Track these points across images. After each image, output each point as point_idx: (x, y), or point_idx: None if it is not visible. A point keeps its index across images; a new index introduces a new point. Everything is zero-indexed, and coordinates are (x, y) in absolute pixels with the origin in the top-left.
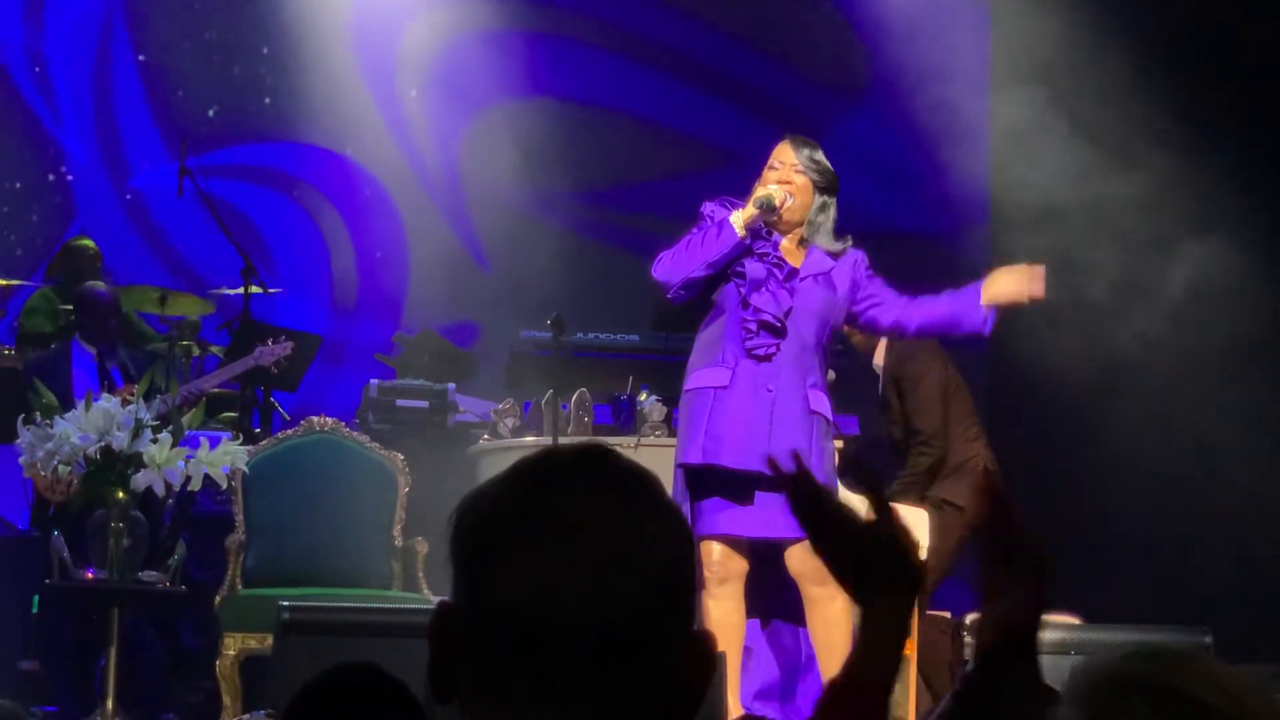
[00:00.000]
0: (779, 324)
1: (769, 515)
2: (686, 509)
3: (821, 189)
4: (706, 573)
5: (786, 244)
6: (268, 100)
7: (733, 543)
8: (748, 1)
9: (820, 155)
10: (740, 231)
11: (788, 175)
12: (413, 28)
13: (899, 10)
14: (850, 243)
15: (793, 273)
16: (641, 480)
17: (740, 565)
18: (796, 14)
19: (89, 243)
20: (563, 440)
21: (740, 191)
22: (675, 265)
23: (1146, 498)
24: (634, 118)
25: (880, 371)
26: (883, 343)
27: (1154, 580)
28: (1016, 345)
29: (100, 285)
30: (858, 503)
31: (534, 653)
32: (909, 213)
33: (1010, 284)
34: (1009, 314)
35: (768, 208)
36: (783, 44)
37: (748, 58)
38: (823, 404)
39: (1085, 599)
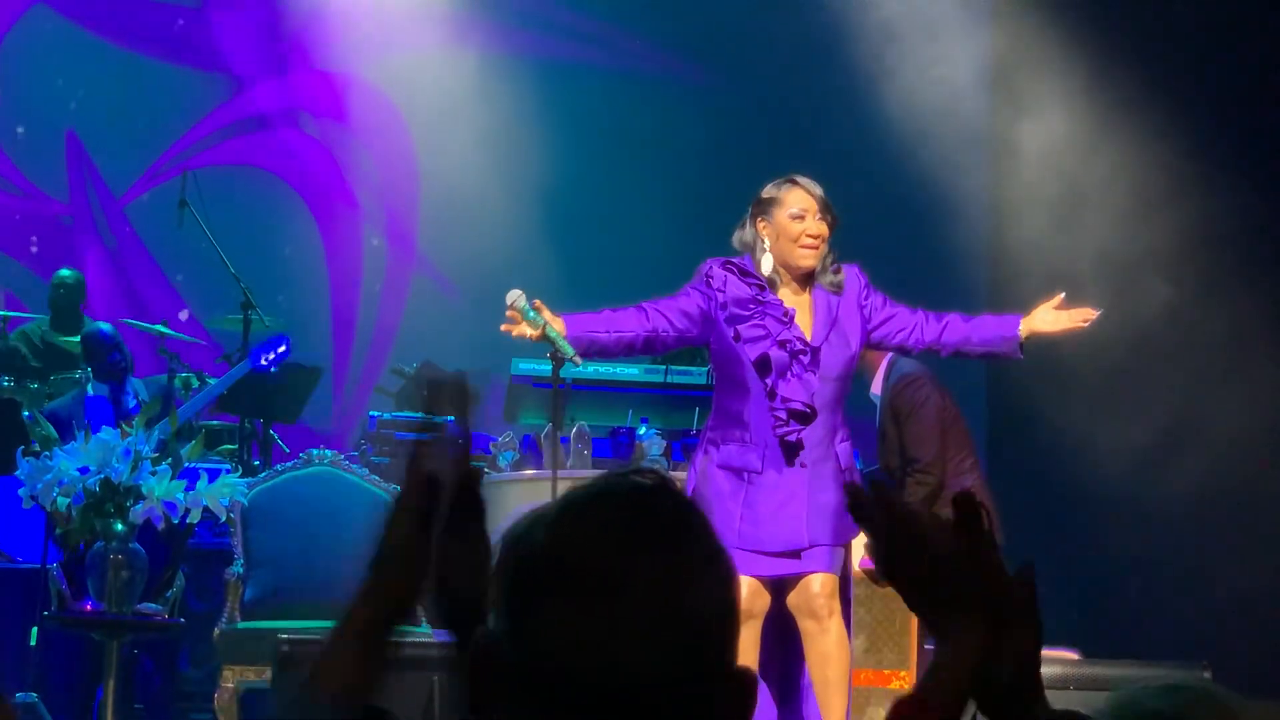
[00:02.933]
0: (809, 410)
1: (794, 560)
2: None
3: (831, 227)
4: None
5: (787, 292)
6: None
7: (761, 582)
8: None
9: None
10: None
11: (815, 227)
12: (430, 80)
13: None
14: (843, 269)
15: (814, 351)
16: (690, 524)
17: (764, 604)
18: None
19: (70, 274)
20: (619, 470)
21: (727, 227)
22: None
23: (1142, 532)
24: (637, 140)
25: (877, 400)
26: (880, 372)
27: (1151, 613)
28: (1012, 378)
29: (102, 325)
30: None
31: (571, 700)
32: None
33: (1056, 323)
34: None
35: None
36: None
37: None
38: (852, 454)
39: (1081, 633)
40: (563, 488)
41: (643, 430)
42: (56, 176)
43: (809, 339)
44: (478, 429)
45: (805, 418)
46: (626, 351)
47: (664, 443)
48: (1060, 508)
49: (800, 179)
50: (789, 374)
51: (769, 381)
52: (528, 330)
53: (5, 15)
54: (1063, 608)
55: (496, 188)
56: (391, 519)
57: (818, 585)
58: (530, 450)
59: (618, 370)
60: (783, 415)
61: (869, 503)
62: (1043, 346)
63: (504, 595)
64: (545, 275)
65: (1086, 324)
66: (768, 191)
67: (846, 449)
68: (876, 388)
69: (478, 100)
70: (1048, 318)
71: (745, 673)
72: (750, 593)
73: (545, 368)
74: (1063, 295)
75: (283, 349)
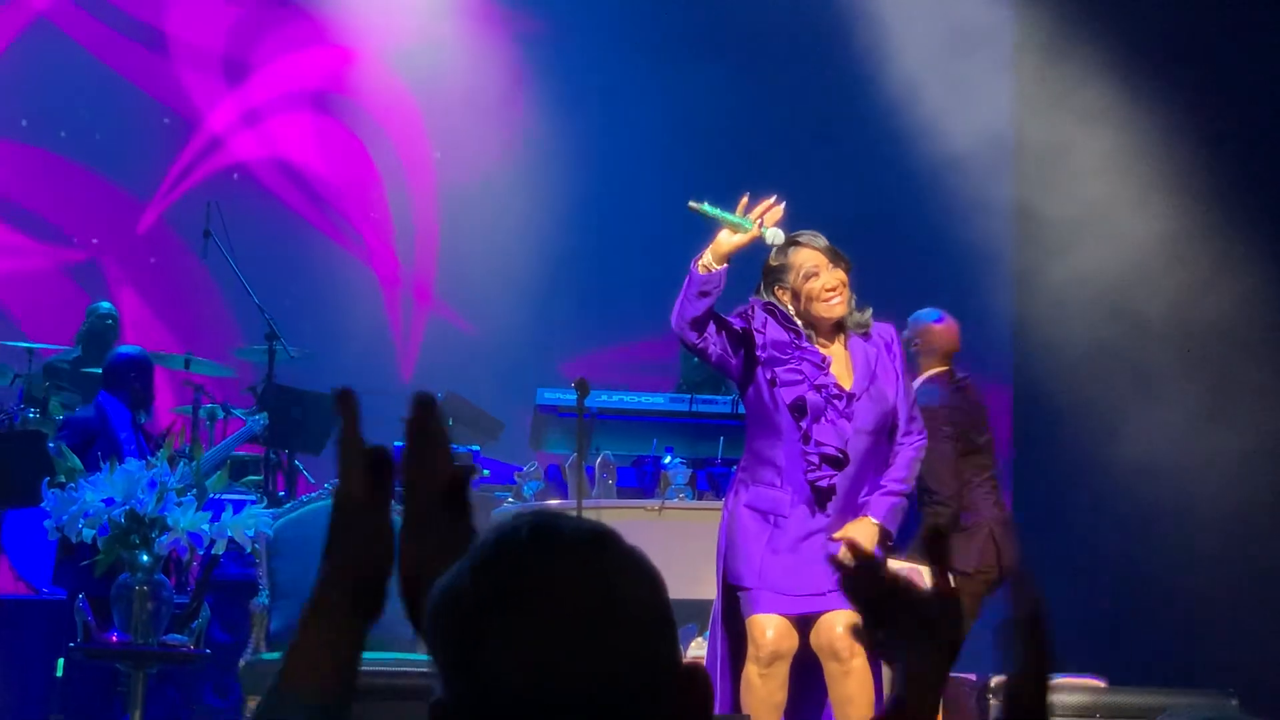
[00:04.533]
0: (842, 455)
1: (819, 597)
2: (718, 608)
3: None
4: (756, 650)
5: (823, 342)
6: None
7: (788, 620)
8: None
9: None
10: (717, 265)
11: (834, 280)
12: (440, 103)
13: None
14: (870, 312)
15: (850, 397)
16: (601, 535)
17: (791, 644)
18: None
19: (106, 307)
20: (520, 512)
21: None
22: (677, 310)
23: (1171, 556)
24: (661, 176)
25: None
26: (918, 383)
27: (1180, 640)
28: (1040, 387)
29: (129, 347)
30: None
31: None
32: None
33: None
34: (1033, 353)
35: (720, 224)
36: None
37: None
38: (880, 509)
39: (1108, 660)
40: (587, 518)
41: (667, 459)
42: (74, 204)
43: (847, 388)
44: (503, 458)
45: (838, 463)
46: (705, 317)
47: (689, 471)
48: (1086, 530)
49: (801, 237)
50: (824, 418)
51: (804, 425)
52: (732, 235)
53: (6, 30)
54: (1089, 634)
55: (517, 212)
56: (336, 498)
57: (840, 625)
58: (555, 480)
59: (642, 399)
60: (815, 460)
61: (856, 576)
62: (1069, 364)
63: (447, 651)
64: (565, 308)
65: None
66: (774, 259)
67: (877, 503)
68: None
69: (499, 121)
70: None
71: (695, 668)
72: (777, 633)
73: (569, 397)
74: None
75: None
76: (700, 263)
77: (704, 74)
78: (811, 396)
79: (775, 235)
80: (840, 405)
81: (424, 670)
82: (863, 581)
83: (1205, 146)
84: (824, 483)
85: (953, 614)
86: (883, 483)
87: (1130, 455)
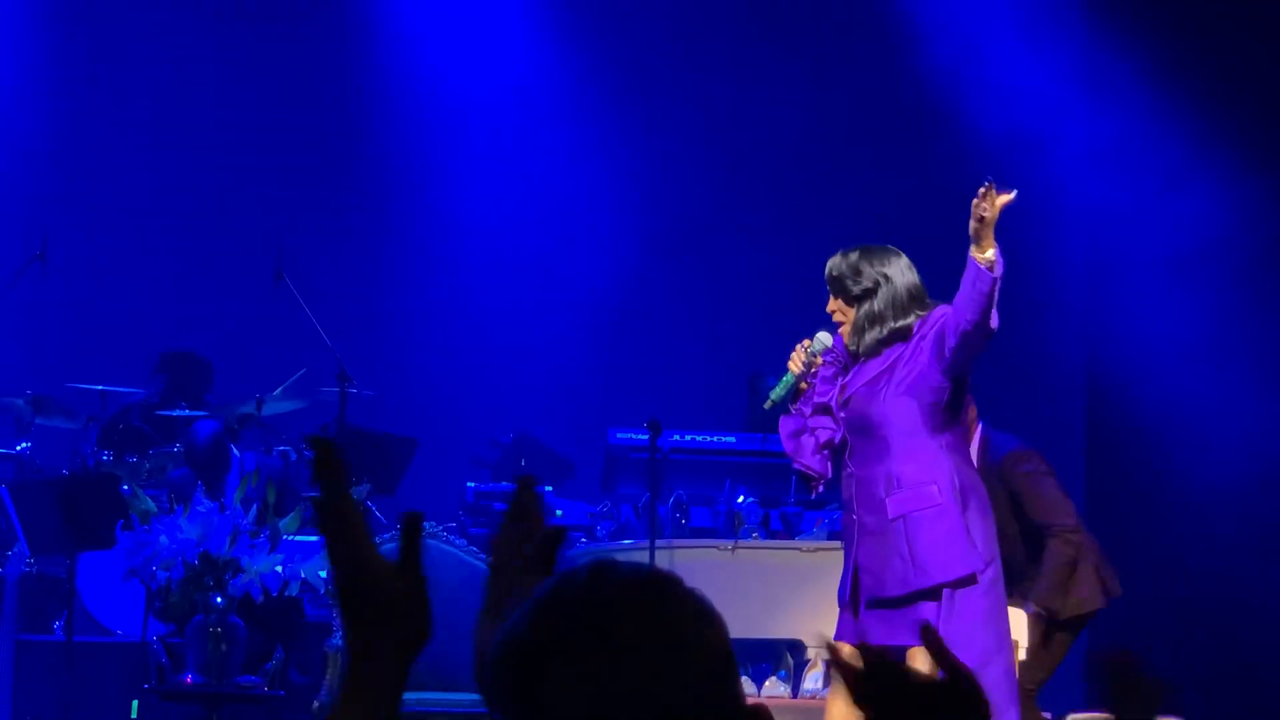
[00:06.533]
0: (810, 472)
1: (883, 625)
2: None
3: (856, 299)
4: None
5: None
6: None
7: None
8: None
9: (842, 268)
10: (792, 407)
11: (839, 315)
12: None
13: None
14: (929, 312)
15: (823, 408)
16: (659, 578)
17: None
18: None
19: (188, 350)
20: (583, 560)
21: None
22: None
23: (1260, 592)
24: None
25: None
26: (974, 449)
27: (1271, 681)
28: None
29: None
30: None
31: None
32: None
33: (976, 217)
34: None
35: (791, 388)
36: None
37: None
38: (909, 501)
39: (1194, 703)
40: (661, 558)
41: (740, 499)
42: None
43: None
44: (575, 499)
45: (809, 480)
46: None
47: (763, 511)
48: (1170, 563)
49: (826, 277)
50: (799, 439)
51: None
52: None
53: None
54: (1177, 674)
55: (582, 250)
56: (358, 569)
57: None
58: (628, 520)
59: (714, 439)
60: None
61: (862, 679)
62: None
63: (500, 689)
64: (636, 346)
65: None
66: None
67: (901, 499)
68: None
69: (564, 158)
70: (973, 223)
71: (759, 709)
72: (849, 656)
73: (641, 437)
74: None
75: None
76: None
77: (769, 104)
78: (785, 420)
79: (822, 339)
80: (837, 411)
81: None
82: (870, 685)
83: None
84: (811, 495)
85: (970, 709)
86: None
87: (1219, 476)
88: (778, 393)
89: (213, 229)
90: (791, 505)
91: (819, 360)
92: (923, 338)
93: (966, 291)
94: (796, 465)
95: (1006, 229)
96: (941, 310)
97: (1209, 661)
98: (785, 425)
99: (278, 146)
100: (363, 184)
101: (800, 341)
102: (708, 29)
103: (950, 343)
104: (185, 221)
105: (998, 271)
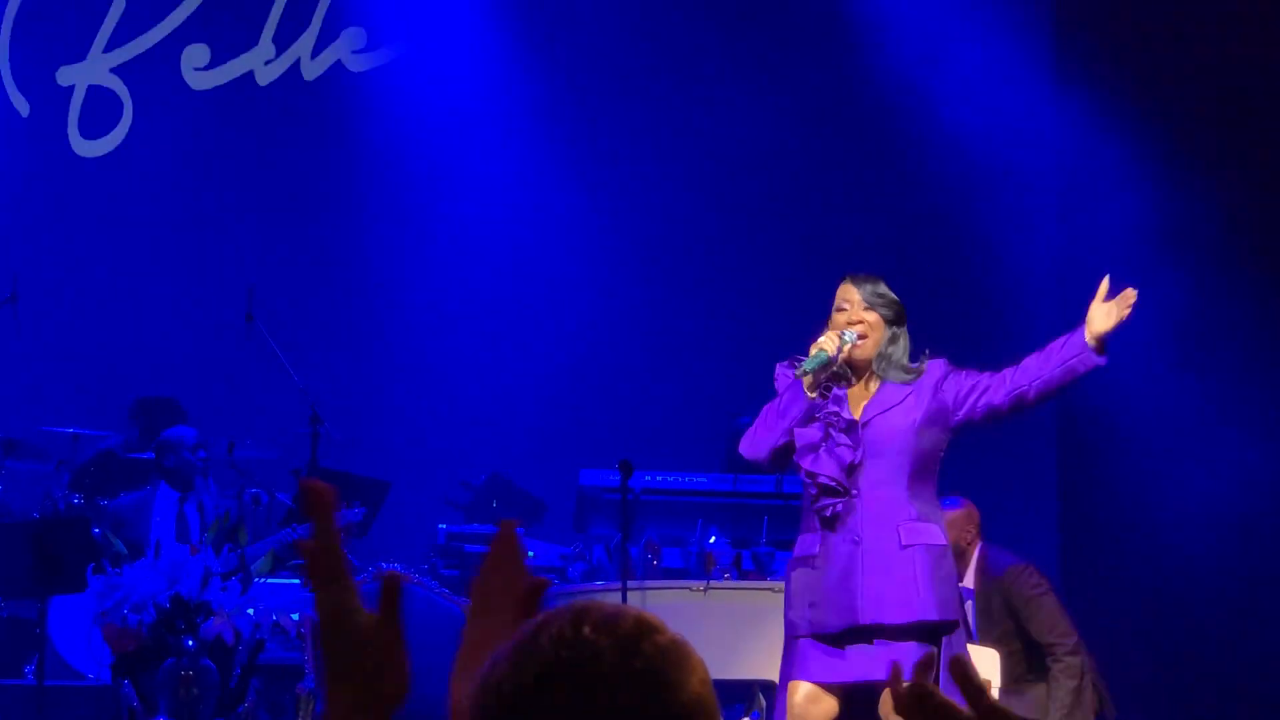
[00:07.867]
0: (836, 485)
1: (864, 658)
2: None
3: (890, 321)
4: (788, 714)
5: (857, 388)
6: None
7: (822, 687)
8: None
9: (884, 288)
10: (810, 394)
11: (857, 314)
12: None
13: None
14: (926, 362)
15: (852, 424)
16: (642, 622)
17: (826, 710)
18: None
19: (164, 397)
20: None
21: (806, 332)
22: (759, 439)
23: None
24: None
25: (969, 593)
26: (973, 564)
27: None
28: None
29: (184, 425)
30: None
31: None
32: None
33: (1108, 315)
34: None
35: (824, 364)
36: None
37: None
38: (921, 533)
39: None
40: (633, 599)
41: (712, 540)
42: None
43: (857, 417)
44: (546, 539)
45: (835, 492)
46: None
47: (734, 551)
48: (1145, 592)
49: (852, 276)
50: (820, 449)
51: (795, 458)
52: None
53: None
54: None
55: (555, 289)
56: (340, 623)
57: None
58: (600, 561)
59: (686, 479)
60: (813, 491)
61: (906, 702)
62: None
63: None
64: (607, 387)
65: (1129, 307)
66: None
67: (916, 529)
68: (968, 580)
69: (537, 195)
70: (1098, 313)
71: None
72: (805, 698)
73: (613, 478)
74: (1107, 278)
75: (358, 519)
76: (818, 392)
77: (759, 135)
78: (808, 430)
79: (852, 334)
80: (841, 436)
81: None
82: (912, 708)
83: None
84: (828, 512)
85: None
86: None
87: (1192, 515)
88: (810, 364)
89: (184, 271)
90: (763, 546)
91: (849, 347)
92: (943, 378)
93: (1057, 363)
94: (822, 479)
95: (976, 242)
96: (941, 363)
97: (1185, 687)
98: (802, 437)
99: (248, 187)
100: (333, 227)
101: (832, 327)
102: (678, 54)
103: (993, 400)
104: (156, 264)
105: (1104, 362)
